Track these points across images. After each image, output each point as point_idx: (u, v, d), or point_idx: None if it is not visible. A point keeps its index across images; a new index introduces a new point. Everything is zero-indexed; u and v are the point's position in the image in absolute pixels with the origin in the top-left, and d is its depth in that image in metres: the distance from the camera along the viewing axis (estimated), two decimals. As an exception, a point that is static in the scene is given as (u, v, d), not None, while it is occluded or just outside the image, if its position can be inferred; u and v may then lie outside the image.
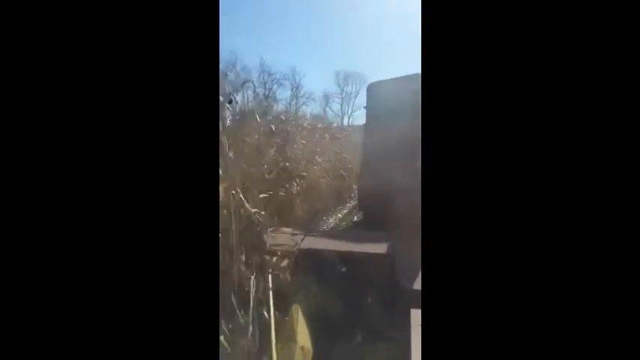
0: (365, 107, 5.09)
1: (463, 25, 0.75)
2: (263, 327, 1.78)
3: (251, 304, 1.76)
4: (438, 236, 0.74)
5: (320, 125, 7.84)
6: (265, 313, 1.81)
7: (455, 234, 0.74)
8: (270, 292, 1.89)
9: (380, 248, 2.59)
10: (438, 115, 0.75)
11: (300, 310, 1.87)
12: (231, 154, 1.89)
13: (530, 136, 0.72)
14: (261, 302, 1.86)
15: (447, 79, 0.75)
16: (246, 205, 2.12)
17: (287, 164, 4.26)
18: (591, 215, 0.70)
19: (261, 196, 2.40)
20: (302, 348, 1.80)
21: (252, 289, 1.80)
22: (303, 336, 1.83)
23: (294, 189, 4.16)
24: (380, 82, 4.89)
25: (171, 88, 0.77)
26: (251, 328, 1.72)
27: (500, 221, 0.73)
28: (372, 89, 4.96)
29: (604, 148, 0.70)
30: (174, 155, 0.76)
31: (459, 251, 0.73)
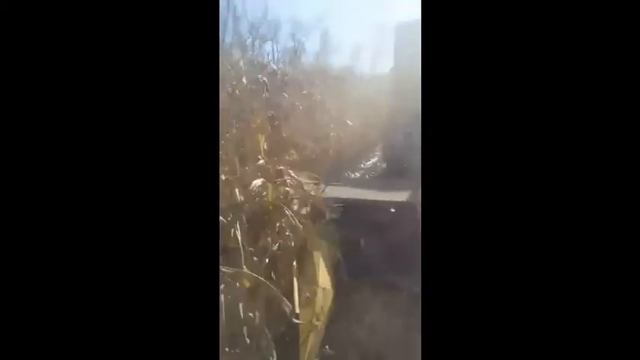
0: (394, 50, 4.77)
1: (464, 23, 0.73)
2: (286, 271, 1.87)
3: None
4: (438, 235, 0.74)
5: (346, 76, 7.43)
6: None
7: (455, 233, 0.73)
8: (291, 237, 1.95)
9: (402, 196, 2.57)
10: (439, 113, 0.74)
11: (320, 255, 1.94)
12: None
13: (532, 132, 0.71)
14: (284, 248, 1.93)
15: (449, 79, 0.74)
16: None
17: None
18: (590, 215, 0.69)
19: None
20: (323, 289, 1.89)
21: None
22: (323, 279, 1.91)
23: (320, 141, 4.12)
24: (409, 22, 4.52)
25: (172, 76, 0.75)
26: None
27: (500, 221, 0.71)
28: (401, 31, 4.61)
29: (604, 148, 0.69)
30: (174, 150, 0.75)
31: (459, 250, 0.72)
